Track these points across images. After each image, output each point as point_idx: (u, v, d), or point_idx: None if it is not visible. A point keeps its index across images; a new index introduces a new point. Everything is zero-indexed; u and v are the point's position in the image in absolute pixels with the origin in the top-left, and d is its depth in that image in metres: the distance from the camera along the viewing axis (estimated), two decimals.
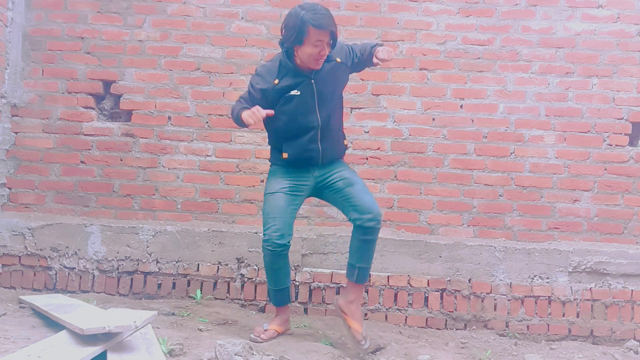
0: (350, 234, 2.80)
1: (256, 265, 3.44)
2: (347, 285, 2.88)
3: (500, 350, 3.10)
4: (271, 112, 2.66)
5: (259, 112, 2.62)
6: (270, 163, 2.90)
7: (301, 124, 2.74)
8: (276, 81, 2.71)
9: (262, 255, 3.41)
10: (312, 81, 2.70)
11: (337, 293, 3.39)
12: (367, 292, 3.38)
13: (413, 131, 3.66)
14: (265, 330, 2.80)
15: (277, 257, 2.76)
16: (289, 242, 2.76)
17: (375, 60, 2.69)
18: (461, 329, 3.40)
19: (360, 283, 2.82)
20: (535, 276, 3.43)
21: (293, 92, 2.70)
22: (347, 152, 2.99)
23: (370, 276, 2.93)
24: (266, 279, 2.90)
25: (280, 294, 2.87)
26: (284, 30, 2.66)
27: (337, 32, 2.68)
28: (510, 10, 3.68)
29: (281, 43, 2.69)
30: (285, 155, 2.78)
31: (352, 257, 2.79)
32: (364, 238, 2.74)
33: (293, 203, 2.78)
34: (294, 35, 2.60)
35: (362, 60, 2.81)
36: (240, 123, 2.72)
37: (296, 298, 3.43)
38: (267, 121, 2.74)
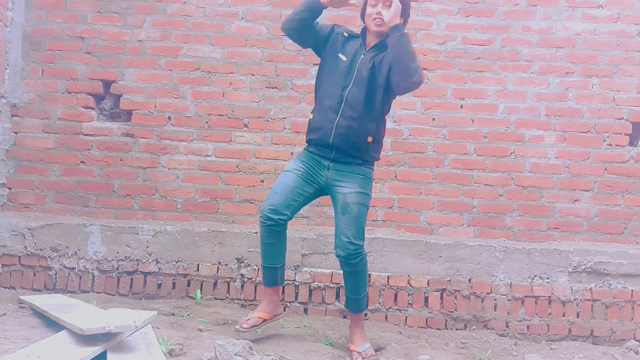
0: None
1: (256, 266, 3.44)
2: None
3: (500, 350, 3.10)
4: None
5: None
6: None
7: (331, 89, 2.73)
8: (345, 34, 2.80)
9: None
10: (362, 56, 2.72)
11: (337, 293, 3.40)
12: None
13: (413, 131, 3.66)
14: (247, 319, 2.76)
15: (267, 231, 2.72)
16: (281, 220, 2.70)
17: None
18: (461, 329, 3.40)
19: (351, 312, 2.83)
20: (535, 276, 3.43)
21: (341, 56, 2.74)
22: None
23: (367, 304, 2.87)
24: None
25: (268, 271, 2.80)
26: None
27: (403, 4, 2.70)
28: (510, 10, 3.68)
29: (362, 19, 2.84)
30: (311, 116, 2.79)
31: (344, 284, 2.84)
32: (344, 269, 2.76)
33: (301, 187, 2.73)
34: (362, 8, 2.80)
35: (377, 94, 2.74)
36: (305, 4, 2.71)
37: (296, 298, 3.43)
38: (317, 79, 2.82)
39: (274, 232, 2.73)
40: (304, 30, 2.76)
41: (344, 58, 2.73)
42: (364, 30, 2.80)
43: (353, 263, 2.69)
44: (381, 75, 2.69)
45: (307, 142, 2.82)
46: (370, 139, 2.70)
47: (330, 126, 2.68)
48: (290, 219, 2.76)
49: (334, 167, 2.73)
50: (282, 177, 2.77)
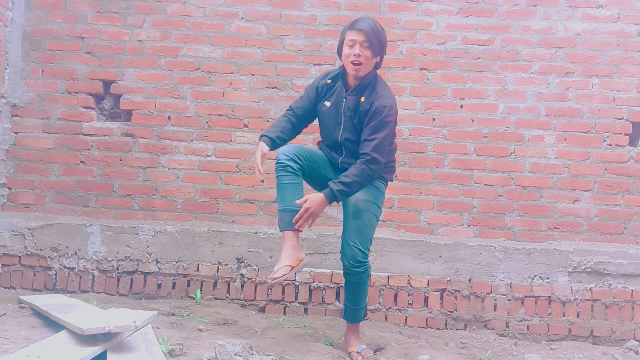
0: None
1: (256, 266, 3.44)
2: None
3: (500, 350, 3.10)
4: (264, 153, 2.70)
5: (256, 160, 2.67)
6: None
7: (327, 135, 2.80)
8: (329, 81, 2.78)
9: (261, 255, 3.45)
10: (344, 99, 2.71)
11: (337, 293, 3.40)
12: None
13: (413, 131, 3.66)
14: (275, 272, 2.57)
15: (283, 170, 2.65)
16: (293, 164, 2.63)
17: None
18: (461, 329, 3.40)
19: (348, 322, 2.82)
20: (535, 276, 3.43)
21: (326, 103, 2.76)
22: None
23: (364, 314, 2.87)
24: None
25: (286, 214, 2.63)
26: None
27: (379, 34, 2.66)
28: (510, 10, 3.68)
29: (338, 56, 2.79)
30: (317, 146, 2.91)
31: (344, 293, 2.83)
32: (346, 278, 2.75)
33: (318, 157, 2.75)
34: (339, 45, 2.73)
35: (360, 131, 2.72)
36: None
37: (296, 298, 3.43)
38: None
39: (289, 172, 2.66)
40: (303, 128, 2.88)
41: (327, 104, 2.75)
42: (344, 70, 2.73)
43: (357, 272, 2.67)
44: (363, 123, 2.69)
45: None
46: (386, 168, 2.76)
47: (336, 162, 2.77)
48: (304, 171, 2.69)
49: None
50: (307, 145, 2.84)
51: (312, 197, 2.57)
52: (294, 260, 2.58)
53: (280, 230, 2.66)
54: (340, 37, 2.72)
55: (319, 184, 2.75)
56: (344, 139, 2.71)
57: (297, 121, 2.83)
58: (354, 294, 2.75)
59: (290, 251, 2.59)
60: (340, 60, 2.75)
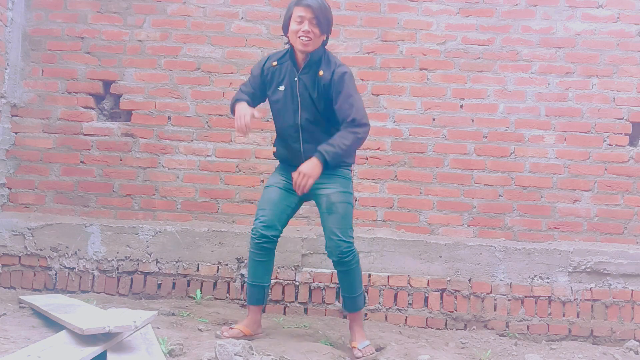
0: None
1: None
2: None
3: (500, 350, 3.10)
4: (254, 113, 2.65)
5: (245, 118, 2.61)
6: None
7: (284, 121, 2.77)
8: (275, 63, 2.76)
9: None
10: (296, 79, 2.71)
11: (337, 293, 3.39)
12: (367, 292, 3.38)
13: (413, 131, 3.66)
14: (231, 328, 2.75)
15: (259, 248, 2.75)
16: (274, 237, 2.74)
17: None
18: (461, 329, 3.40)
19: (348, 311, 2.83)
20: (535, 276, 3.43)
21: (280, 88, 2.74)
22: None
23: (364, 302, 2.88)
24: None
25: (254, 289, 2.80)
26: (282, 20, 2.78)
27: (326, 12, 2.67)
28: (510, 10, 3.68)
29: (284, 34, 2.78)
30: (274, 149, 2.88)
31: (340, 285, 2.84)
32: (337, 269, 2.77)
33: (286, 199, 2.77)
34: (285, 21, 2.72)
35: (336, 112, 2.70)
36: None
37: (296, 298, 3.43)
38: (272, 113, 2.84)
39: (265, 249, 2.76)
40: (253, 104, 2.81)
41: (281, 88, 2.74)
42: (292, 49, 2.73)
43: (346, 261, 2.70)
44: (325, 97, 2.70)
45: (278, 159, 2.90)
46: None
47: (298, 154, 2.73)
48: (281, 233, 2.78)
49: None
50: (265, 192, 2.82)
51: (303, 166, 2.62)
52: (250, 332, 2.77)
53: (248, 304, 2.83)
54: (287, 13, 2.70)
55: (294, 210, 2.86)
56: (304, 120, 2.71)
57: (252, 102, 2.81)
58: (349, 282, 2.77)
59: (252, 324, 2.79)
60: (287, 36, 2.74)
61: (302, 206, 3.00)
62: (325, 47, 2.77)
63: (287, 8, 2.73)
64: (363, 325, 2.88)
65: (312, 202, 2.99)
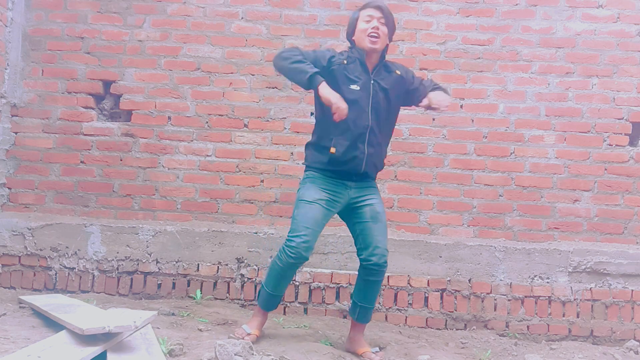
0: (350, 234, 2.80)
1: (256, 266, 3.44)
2: (350, 322, 2.86)
3: (500, 350, 3.10)
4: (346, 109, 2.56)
5: (345, 108, 2.53)
6: (306, 166, 2.79)
7: (354, 121, 2.64)
8: (345, 61, 2.70)
9: (261, 255, 3.44)
10: (372, 82, 2.70)
11: (337, 293, 3.39)
12: None
13: (413, 131, 3.66)
14: (249, 334, 2.72)
15: (293, 267, 2.68)
16: (309, 256, 2.66)
17: (424, 102, 2.65)
18: (461, 329, 3.40)
19: (360, 322, 2.80)
20: (535, 276, 3.43)
21: (353, 87, 2.67)
22: None
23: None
24: (266, 280, 2.80)
25: (274, 299, 2.80)
26: (346, 28, 2.82)
27: (393, 18, 2.74)
28: (510, 10, 3.68)
29: (348, 39, 2.82)
30: (333, 150, 2.66)
31: (356, 294, 2.79)
32: (369, 279, 2.72)
33: (326, 218, 2.70)
34: (350, 25, 2.76)
35: (417, 91, 2.75)
36: (299, 79, 2.59)
37: (296, 298, 3.43)
38: (320, 112, 2.71)
39: (297, 267, 2.72)
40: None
41: (355, 87, 2.67)
42: (359, 50, 2.72)
43: (383, 272, 2.70)
44: (396, 101, 2.77)
45: (321, 169, 2.72)
46: (385, 159, 2.85)
47: (361, 156, 2.67)
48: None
49: (355, 186, 2.73)
50: (310, 210, 2.64)
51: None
52: (260, 334, 2.78)
53: (262, 309, 2.82)
54: (353, 17, 2.75)
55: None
56: (374, 122, 2.68)
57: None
58: (374, 293, 2.76)
59: (260, 326, 2.80)
60: (351, 41, 2.77)
61: None
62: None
63: (351, 15, 2.78)
64: None
65: None
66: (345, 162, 2.68)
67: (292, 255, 2.61)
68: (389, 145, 2.91)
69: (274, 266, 2.71)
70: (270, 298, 2.79)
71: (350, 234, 2.81)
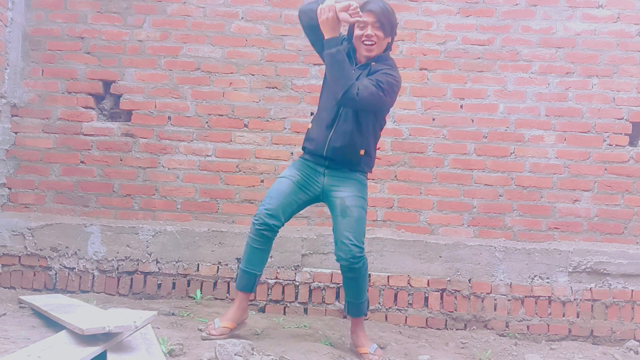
0: None
1: None
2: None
3: (500, 350, 3.10)
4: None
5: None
6: None
7: (329, 103, 2.70)
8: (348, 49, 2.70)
9: None
10: (353, 70, 2.66)
11: (337, 293, 3.40)
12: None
13: (413, 131, 3.66)
14: (216, 327, 2.70)
15: (259, 235, 2.69)
16: (275, 226, 2.68)
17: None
18: (461, 329, 3.40)
19: (352, 316, 2.80)
20: (535, 276, 3.43)
21: None
22: None
23: (368, 306, 2.85)
24: (242, 258, 2.80)
25: (247, 276, 2.74)
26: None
27: (390, 16, 2.67)
28: (510, 10, 3.68)
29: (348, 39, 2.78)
30: (309, 126, 2.80)
31: (344, 290, 2.81)
32: (345, 275, 2.72)
33: (295, 194, 2.72)
34: (349, 28, 2.72)
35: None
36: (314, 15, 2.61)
37: (296, 298, 3.43)
38: (321, 94, 2.79)
39: (265, 237, 2.71)
40: (315, 28, 2.66)
41: None
42: (353, 48, 2.73)
43: (356, 268, 2.66)
44: None
45: (302, 149, 2.82)
46: (362, 152, 2.73)
47: (324, 140, 2.70)
48: (282, 225, 2.74)
49: (329, 174, 2.74)
50: (277, 182, 2.77)
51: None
52: (234, 324, 2.73)
53: (237, 289, 2.78)
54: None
55: (301, 207, 2.80)
56: (344, 111, 2.67)
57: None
58: (356, 288, 2.74)
59: (236, 313, 2.74)
60: (351, 43, 2.74)
61: None
62: (389, 51, 2.77)
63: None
64: (364, 327, 2.87)
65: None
66: (312, 140, 2.75)
67: (255, 221, 2.69)
68: (377, 142, 2.83)
69: (247, 241, 2.76)
70: (242, 274, 2.75)
71: None
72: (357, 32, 2.68)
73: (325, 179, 2.74)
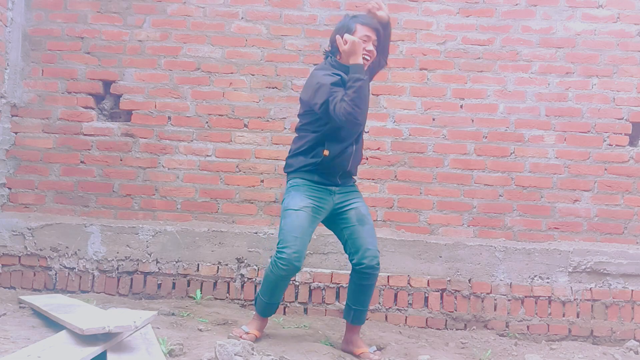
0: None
1: (256, 266, 3.44)
2: (345, 325, 2.85)
3: (500, 350, 3.10)
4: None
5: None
6: (289, 174, 2.76)
7: (339, 127, 2.65)
8: (342, 75, 2.65)
9: (261, 255, 3.44)
10: (368, 82, 2.72)
11: (337, 293, 3.40)
12: None
13: (413, 131, 3.66)
14: (247, 332, 2.73)
15: (286, 278, 2.68)
16: (301, 265, 2.64)
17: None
18: (461, 329, 3.40)
19: (356, 324, 2.79)
20: (535, 276, 3.43)
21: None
22: None
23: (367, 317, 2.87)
24: (261, 289, 2.77)
25: (271, 307, 2.80)
26: (333, 35, 2.72)
27: (386, 34, 2.81)
28: (510, 10, 3.68)
29: (331, 51, 2.75)
30: (326, 152, 2.65)
31: (350, 298, 2.78)
32: (362, 283, 2.72)
33: (314, 223, 2.70)
34: (337, 33, 2.71)
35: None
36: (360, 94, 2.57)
37: (296, 298, 3.43)
38: (312, 121, 2.68)
39: (291, 277, 2.70)
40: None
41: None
42: (340, 63, 2.69)
43: (376, 274, 2.70)
44: None
45: (306, 172, 2.71)
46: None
47: (348, 157, 2.71)
48: None
49: (339, 191, 2.75)
50: (296, 218, 2.62)
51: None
52: (260, 333, 2.79)
53: (260, 315, 2.81)
54: (343, 26, 2.70)
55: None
56: (362, 120, 2.70)
57: None
58: (368, 295, 2.75)
59: (260, 328, 2.80)
60: (332, 46, 2.72)
61: None
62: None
63: (341, 22, 2.74)
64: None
65: None
66: (333, 159, 2.68)
67: (284, 266, 2.60)
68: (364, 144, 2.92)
69: (268, 277, 2.71)
70: (267, 306, 2.79)
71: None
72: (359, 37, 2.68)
73: (336, 197, 2.75)
